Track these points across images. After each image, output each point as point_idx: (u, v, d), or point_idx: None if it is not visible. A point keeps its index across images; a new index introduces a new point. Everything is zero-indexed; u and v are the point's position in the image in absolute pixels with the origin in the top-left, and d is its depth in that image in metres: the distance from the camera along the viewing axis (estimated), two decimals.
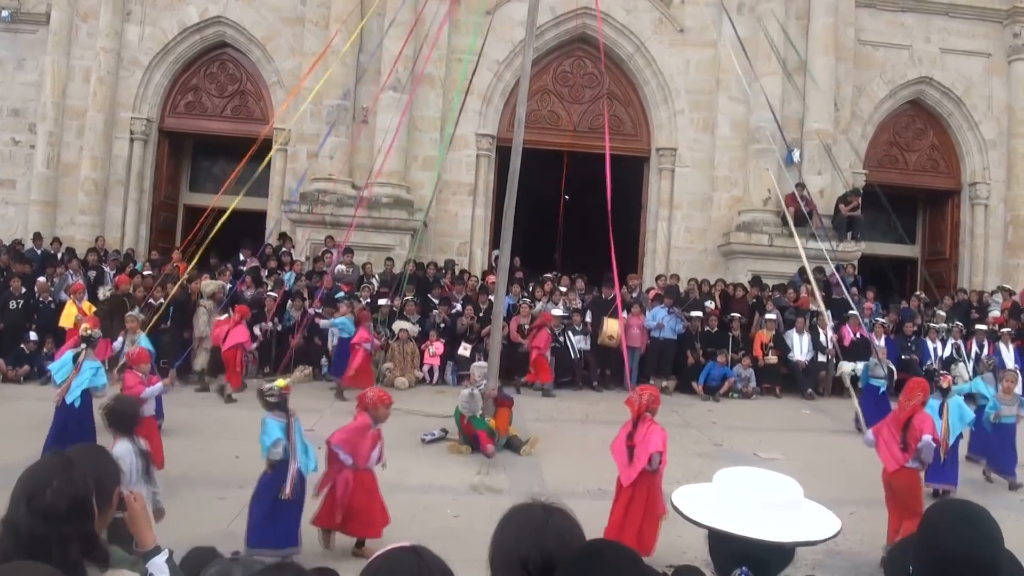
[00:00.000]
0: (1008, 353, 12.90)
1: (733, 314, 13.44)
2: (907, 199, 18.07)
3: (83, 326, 8.21)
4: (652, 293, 14.05)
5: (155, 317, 10.61)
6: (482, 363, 9.38)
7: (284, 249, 14.65)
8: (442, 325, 12.68)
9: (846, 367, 12.97)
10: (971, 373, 11.37)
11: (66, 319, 11.27)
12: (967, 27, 17.22)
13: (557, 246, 12.95)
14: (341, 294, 12.71)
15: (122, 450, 4.65)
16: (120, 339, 9.76)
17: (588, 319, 13.01)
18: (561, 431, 9.57)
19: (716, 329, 13.23)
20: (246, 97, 16.80)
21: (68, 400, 7.22)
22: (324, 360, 12.33)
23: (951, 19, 17.14)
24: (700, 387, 12.49)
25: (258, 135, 12.57)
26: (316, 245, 14.80)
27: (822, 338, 13.10)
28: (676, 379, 12.76)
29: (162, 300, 11.24)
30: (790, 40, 14.74)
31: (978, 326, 13.37)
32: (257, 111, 16.57)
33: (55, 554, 1.88)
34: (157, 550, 2.45)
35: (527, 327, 12.52)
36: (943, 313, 14.02)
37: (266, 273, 13.63)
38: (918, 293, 15.87)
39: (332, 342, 12.20)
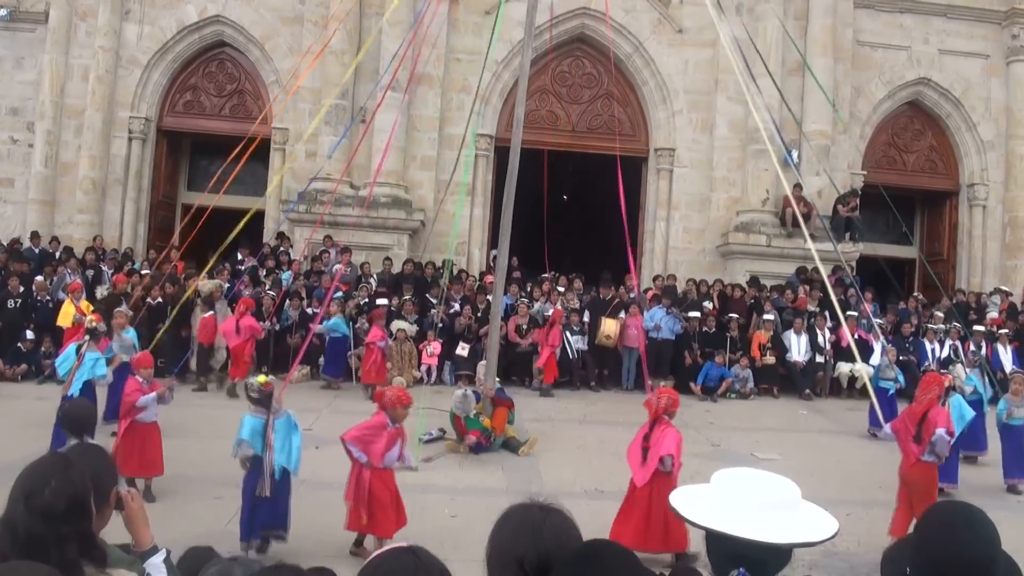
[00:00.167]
0: (1006, 354, 12.92)
1: (731, 315, 13.46)
2: (905, 200, 18.06)
3: (88, 318, 8.28)
4: (650, 293, 14.06)
5: (139, 314, 10.58)
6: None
7: (282, 249, 14.64)
8: (440, 325, 12.67)
9: (845, 368, 13.04)
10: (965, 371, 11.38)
11: (64, 318, 11.26)
12: (965, 28, 17.22)
13: (546, 246, 12.96)
14: (340, 294, 12.70)
15: None
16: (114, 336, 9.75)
17: (586, 319, 13.02)
18: (559, 431, 9.58)
19: (714, 330, 13.24)
20: (244, 96, 16.79)
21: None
22: (321, 360, 12.31)
23: (949, 20, 17.14)
24: (698, 387, 12.51)
25: (258, 135, 12.54)
26: (314, 245, 14.79)
27: (820, 339, 13.11)
28: (674, 379, 12.75)
29: (160, 300, 11.21)
30: (791, 39, 14.71)
31: (976, 327, 13.38)
32: (255, 110, 16.52)
33: (53, 553, 1.87)
34: (155, 550, 2.44)
35: (524, 327, 12.51)
36: (941, 314, 14.04)
37: (264, 272, 13.61)
38: (916, 294, 15.87)
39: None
